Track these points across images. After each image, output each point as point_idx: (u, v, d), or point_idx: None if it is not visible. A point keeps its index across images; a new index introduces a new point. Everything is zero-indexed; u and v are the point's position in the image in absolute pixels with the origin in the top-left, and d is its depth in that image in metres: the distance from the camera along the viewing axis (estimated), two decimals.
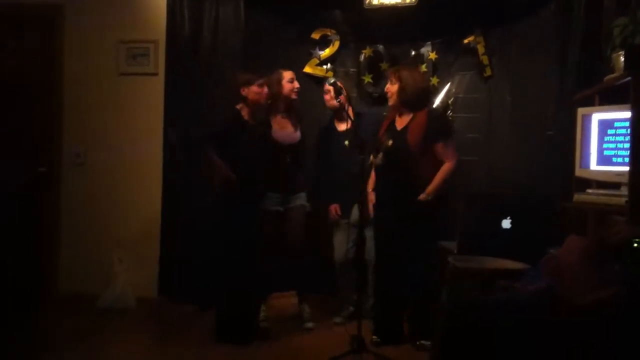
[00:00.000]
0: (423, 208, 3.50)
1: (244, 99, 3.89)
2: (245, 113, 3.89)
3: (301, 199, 4.10)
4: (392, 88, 3.71)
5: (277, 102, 4.04)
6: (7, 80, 4.53)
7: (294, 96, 4.06)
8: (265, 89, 3.91)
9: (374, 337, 3.75)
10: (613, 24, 3.27)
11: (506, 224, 2.56)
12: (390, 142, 3.65)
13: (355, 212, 4.07)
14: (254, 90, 3.87)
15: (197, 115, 4.52)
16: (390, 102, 3.76)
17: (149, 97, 4.71)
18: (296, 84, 4.07)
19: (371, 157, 3.72)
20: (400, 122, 3.73)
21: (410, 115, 3.68)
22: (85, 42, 4.78)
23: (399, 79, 3.67)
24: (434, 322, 2.31)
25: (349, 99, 4.06)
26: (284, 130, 4.06)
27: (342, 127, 4.12)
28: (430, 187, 3.53)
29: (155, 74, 4.71)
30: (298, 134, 4.09)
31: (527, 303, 1.76)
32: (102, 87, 4.77)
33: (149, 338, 4.10)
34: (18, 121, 4.58)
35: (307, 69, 4.71)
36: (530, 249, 2.30)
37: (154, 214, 4.67)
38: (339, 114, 4.14)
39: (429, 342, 3.49)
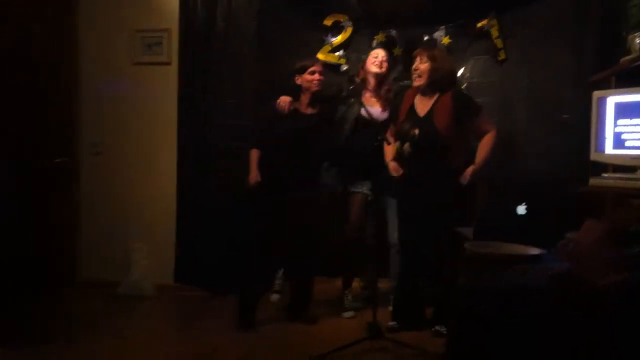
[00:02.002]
0: (459, 192, 3.47)
1: (299, 88, 3.92)
2: (302, 102, 3.93)
3: (365, 187, 4.06)
4: (422, 67, 3.64)
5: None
6: (22, 71, 4.55)
7: (374, 69, 4.04)
8: (317, 76, 3.91)
9: (392, 322, 3.78)
10: (629, 4, 3.22)
11: (521, 210, 2.56)
12: (417, 131, 3.57)
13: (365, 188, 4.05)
14: (307, 78, 3.90)
15: (211, 103, 4.54)
16: (418, 82, 3.67)
17: (163, 86, 4.73)
18: (377, 60, 4.07)
19: (396, 146, 3.67)
20: (422, 107, 3.67)
21: (434, 98, 3.63)
22: (100, 32, 4.80)
23: (432, 59, 3.63)
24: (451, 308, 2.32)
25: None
26: (372, 107, 3.98)
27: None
28: (479, 159, 3.52)
29: (169, 63, 4.73)
30: (386, 114, 4.01)
31: (545, 286, 1.77)
32: (117, 76, 4.79)
33: (167, 324, 4.18)
34: (35, 112, 4.61)
35: (320, 56, 4.68)
36: (547, 233, 2.31)
37: (170, 202, 4.71)
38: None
39: (444, 328, 3.51)
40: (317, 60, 4.08)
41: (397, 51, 4.61)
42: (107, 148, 4.83)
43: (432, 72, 3.62)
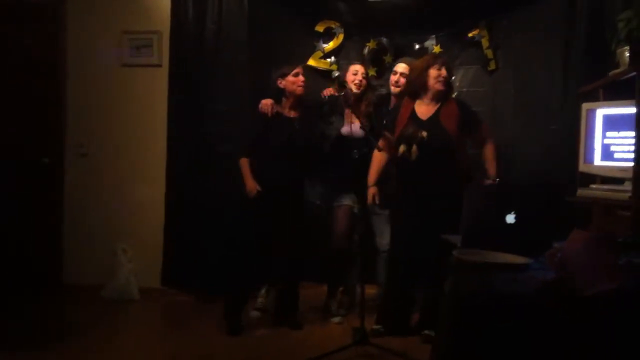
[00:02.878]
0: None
1: (282, 91, 3.91)
2: (284, 106, 3.92)
3: (350, 199, 4.10)
4: (443, 73, 3.68)
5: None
6: (9, 71, 4.53)
7: (354, 88, 4.02)
8: (301, 77, 3.90)
9: (376, 326, 3.77)
10: (618, 17, 3.25)
11: (510, 218, 2.56)
12: (425, 133, 3.58)
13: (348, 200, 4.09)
14: (290, 80, 3.88)
15: (202, 106, 4.52)
16: (442, 87, 3.69)
17: (153, 88, 4.70)
18: (356, 78, 4.05)
19: (400, 148, 3.66)
20: (424, 112, 3.69)
21: (437, 105, 3.68)
22: (88, 33, 4.76)
23: (448, 69, 3.72)
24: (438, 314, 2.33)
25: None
26: (350, 124, 4.03)
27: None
28: (493, 169, 3.67)
29: (159, 66, 4.70)
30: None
31: (532, 294, 1.76)
32: (106, 78, 4.76)
33: (153, 328, 4.15)
34: (21, 112, 4.58)
35: (311, 62, 4.71)
36: (535, 243, 2.31)
37: (157, 205, 4.67)
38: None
39: (433, 333, 3.50)
40: (299, 64, 4.06)
41: (388, 59, 4.62)
42: (94, 150, 4.78)
43: (446, 81, 3.70)
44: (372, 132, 3.70)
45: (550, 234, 2.35)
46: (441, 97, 3.70)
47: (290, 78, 3.88)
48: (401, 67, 4.08)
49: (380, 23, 4.64)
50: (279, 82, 3.90)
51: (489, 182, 3.62)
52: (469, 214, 2.74)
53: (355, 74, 4.06)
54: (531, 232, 2.45)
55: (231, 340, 3.69)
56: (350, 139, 3.97)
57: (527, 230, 2.51)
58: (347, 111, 4.02)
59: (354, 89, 4.01)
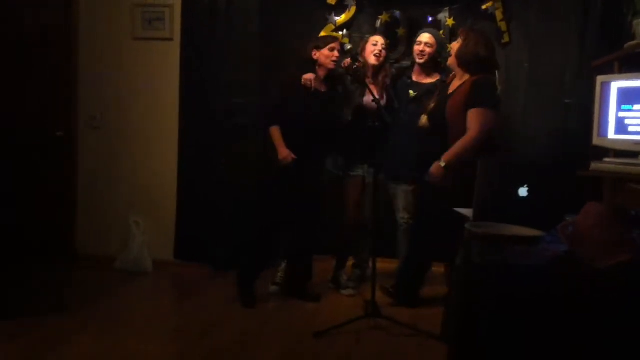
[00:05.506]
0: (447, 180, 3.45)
1: (315, 63, 3.88)
2: (315, 78, 3.86)
3: (362, 170, 4.10)
4: (454, 46, 3.63)
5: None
6: (22, 44, 4.53)
7: (373, 60, 3.99)
8: (336, 53, 3.86)
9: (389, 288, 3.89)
10: None
11: (523, 192, 2.56)
12: (433, 105, 3.64)
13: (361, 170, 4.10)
14: (325, 54, 3.85)
15: (214, 79, 4.52)
16: (450, 62, 3.68)
17: (165, 62, 4.69)
18: (376, 48, 4.00)
19: (422, 119, 3.70)
20: (453, 86, 3.68)
21: (464, 80, 3.59)
22: (100, 6, 4.75)
23: (465, 39, 3.58)
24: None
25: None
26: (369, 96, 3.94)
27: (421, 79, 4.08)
28: (446, 155, 3.43)
29: (171, 39, 4.69)
30: (384, 102, 3.99)
31: (544, 266, 1.78)
32: (118, 51, 4.76)
33: (165, 299, 4.21)
34: (34, 85, 4.59)
35: (323, 35, 4.67)
36: (547, 216, 2.31)
37: (170, 177, 4.71)
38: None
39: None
40: (336, 38, 4.04)
41: (401, 32, 4.59)
42: (107, 122, 4.80)
43: (458, 53, 3.58)
44: (379, 105, 3.68)
45: (562, 208, 2.36)
46: (466, 71, 3.59)
47: (325, 52, 3.84)
48: (425, 37, 4.01)
49: None
50: (313, 53, 3.87)
51: (434, 166, 3.47)
52: (482, 188, 2.75)
53: (375, 44, 4.01)
54: (544, 205, 2.46)
55: (243, 311, 3.75)
56: (369, 109, 3.91)
57: (540, 204, 2.51)
58: (369, 81, 3.99)
59: (373, 61, 3.98)
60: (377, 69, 4.03)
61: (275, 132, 3.84)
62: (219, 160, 4.55)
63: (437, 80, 4.05)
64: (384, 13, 4.63)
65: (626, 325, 1.59)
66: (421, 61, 3.99)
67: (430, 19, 4.57)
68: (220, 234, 4.53)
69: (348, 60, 3.88)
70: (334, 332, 3.32)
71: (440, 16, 4.56)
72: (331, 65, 3.87)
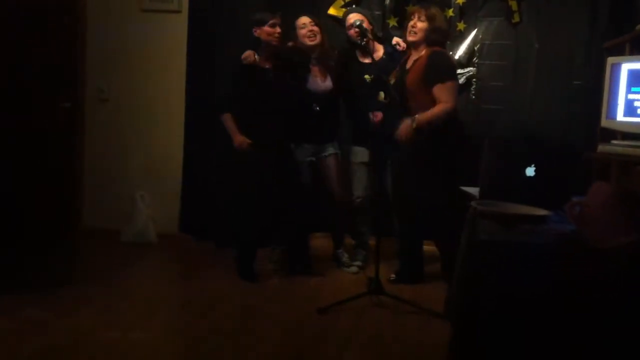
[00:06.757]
0: (424, 147, 3.51)
1: (258, 40, 3.82)
2: (260, 57, 3.82)
3: (333, 147, 4.11)
4: (420, 25, 3.61)
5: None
6: (29, 16, 4.50)
7: (307, 42, 3.94)
8: (278, 29, 3.80)
9: (392, 275, 3.89)
10: None
11: (530, 171, 2.55)
12: (393, 81, 3.66)
13: (357, 152, 4.09)
14: (267, 31, 3.79)
15: (222, 54, 4.50)
16: (412, 38, 3.66)
17: (173, 35, 4.68)
18: (304, 30, 3.93)
19: (380, 94, 3.71)
20: (410, 60, 3.71)
21: (420, 54, 3.63)
22: None
23: (431, 19, 3.59)
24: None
25: (375, 37, 4.04)
26: (313, 78, 4.00)
27: (365, 59, 4.00)
28: (420, 116, 3.46)
29: (179, 12, 4.67)
30: (328, 83, 4.00)
31: (550, 245, 1.78)
32: (125, 23, 4.74)
33: (170, 272, 4.24)
34: (41, 57, 4.58)
35: (332, 11, 4.62)
36: (554, 196, 2.31)
37: (176, 151, 4.72)
38: (363, 49, 3.96)
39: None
40: (277, 12, 3.89)
41: (411, 9, 4.45)
42: (114, 95, 4.80)
43: (429, 32, 3.61)
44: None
45: (569, 188, 2.36)
46: (424, 46, 3.64)
47: (266, 28, 3.78)
48: (354, 17, 3.94)
49: None
50: (254, 30, 3.81)
51: (406, 121, 3.49)
52: (488, 166, 2.75)
53: (303, 27, 3.94)
54: (551, 185, 2.46)
55: (246, 287, 3.77)
56: (313, 92, 3.96)
57: (547, 184, 2.51)
58: (313, 67, 3.98)
59: (310, 42, 3.93)
60: (322, 51, 3.99)
61: (228, 119, 3.83)
62: (225, 136, 4.53)
63: (383, 52, 4.04)
64: None
65: (631, 304, 1.59)
66: (363, 42, 3.81)
67: None
68: (222, 211, 4.53)
69: (379, 116, 3.76)
70: (337, 308, 3.34)
71: None
72: (274, 42, 3.81)
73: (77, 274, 3.86)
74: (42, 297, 3.37)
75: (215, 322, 3.20)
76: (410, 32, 3.67)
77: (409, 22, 3.71)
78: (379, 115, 3.73)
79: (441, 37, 3.67)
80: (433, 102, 3.52)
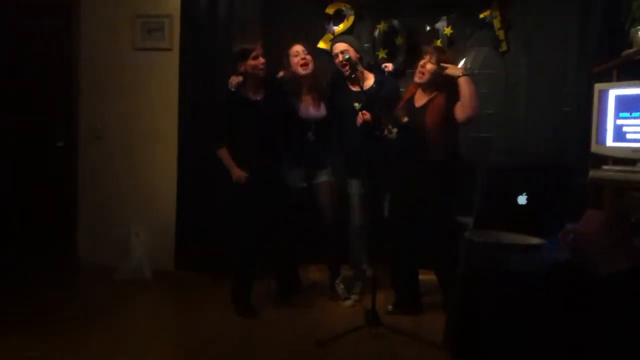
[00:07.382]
0: (437, 172, 3.57)
1: (244, 74, 3.82)
2: (248, 89, 3.84)
3: (327, 174, 4.10)
4: (429, 67, 3.65)
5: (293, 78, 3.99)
6: (24, 55, 4.55)
7: (301, 71, 3.95)
8: (261, 59, 3.78)
9: (390, 306, 3.87)
10: (633, 2, 3.23)
11: (522, 199, 2.56)
12: (406, 119, 3.66)
13: (354, 185, 4.08)
14: (251, 64, 3.77)
15: (213, 90, 4.53)
16: (419, 79, 3.71)
17: (164, 72, 4.73)
18: (296, 59, 3.94)
19: (385, 130, 3.70)
20: (419, 100, 3.75)
21: (432, 95, 3.69)
22: (101, 16, 4.78)
23: (440, 62, 3.63)
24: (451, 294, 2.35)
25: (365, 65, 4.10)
26: (306, 106, 4.02)
27: (355, 88, 3.95)
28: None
29: (170, 49, 4.72)
30: (322, 111, 4.02)
31: (545, 274, 1.78)
32: (118, 61, 4.78)
33: (166, 310, 4.19)
34: (36, 96, 4.61)
35: (322, 44, 4.69)
36: (547, 224, 2.31)
37: (170, 188, 4.73)
38: (352, 80, 3.95)
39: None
40: (257, 41, 3.87)
41: (399, 41, 4.60)
42: (108, 133, 4.82)
43: (436, 75, 3.65)
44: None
45: (562, 215, 2.36)
46: (434, 88, 3.69)
47: (250, 62, 3.76)
48: (341, 46, 3.97)
49: (391, 5, 4.61)
50: (239, 66, 3.81)
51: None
52: (481, 196, 2.76)
53: (296, 55, 3.95)
54: (544, 213, 2.46)
55: (242, 322, 3.73)
56: (306, 120, 3.99)
57: (540, 211, 2.52)
58: (304, 94, 4.01)
59: (302, 71, 3.94)
60: (313, 80, 4.01)
61: (224, 153, 3.84)
62: (218, 172, 4.55)
63: (373, 82, 4.04)
64: (382, 22, 4.64)
65: (626, 333, 1.59)
66: (349, 72, 3.88)
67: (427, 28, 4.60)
68: (219, 244, 4.51)
69: (367, 115, 3.77)
70: (336, 341, 3.31)
71: (439, 25, 4.58)
72: (260, 74, 3.82)
73: (69, 311, 3.84)
74: (34, 333, 3.37)
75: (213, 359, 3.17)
76: (418, 73, 3.71)
77: (419, 60, 3.75)
78: (366, 115, 3.73)
79: (447, 81, 3.64)
80: (448, 135, 3.64)
